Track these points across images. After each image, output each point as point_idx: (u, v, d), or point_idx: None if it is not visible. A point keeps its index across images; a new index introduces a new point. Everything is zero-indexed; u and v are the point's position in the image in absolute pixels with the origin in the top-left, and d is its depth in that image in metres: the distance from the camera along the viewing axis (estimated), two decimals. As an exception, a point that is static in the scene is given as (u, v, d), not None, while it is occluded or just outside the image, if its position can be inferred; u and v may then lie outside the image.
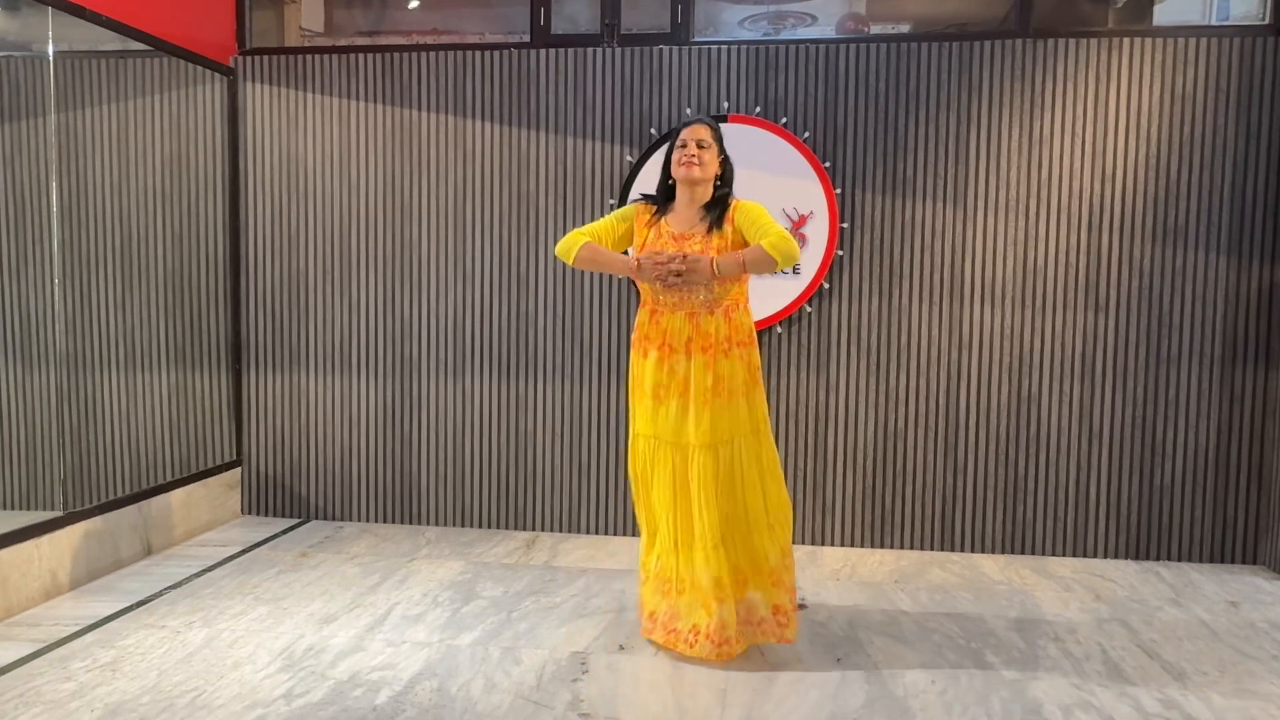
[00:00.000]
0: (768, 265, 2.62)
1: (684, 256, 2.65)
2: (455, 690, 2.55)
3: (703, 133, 2.75)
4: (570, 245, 2.80)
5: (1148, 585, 3.52)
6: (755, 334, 2.83)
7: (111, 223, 3.62)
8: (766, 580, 2.79)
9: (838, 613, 3.17)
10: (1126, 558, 3.84)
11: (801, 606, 3.20)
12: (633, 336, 2.87)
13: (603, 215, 3.98)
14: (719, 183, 2.80)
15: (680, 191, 2.81)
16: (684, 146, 2.75)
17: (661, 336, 2.75)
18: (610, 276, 3.99)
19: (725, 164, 2.82)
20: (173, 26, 3.81)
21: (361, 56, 4.12)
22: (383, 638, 2.90)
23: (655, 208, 2.86)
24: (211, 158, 4.10)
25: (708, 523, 2.71)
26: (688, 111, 3.92)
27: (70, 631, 2.92)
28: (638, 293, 2.87)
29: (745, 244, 2.73)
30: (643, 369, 2.80)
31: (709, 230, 2.74)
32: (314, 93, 4.15)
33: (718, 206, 2.78)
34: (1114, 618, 3.15)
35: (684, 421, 2.72)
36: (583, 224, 3.99)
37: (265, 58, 4.18)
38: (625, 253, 2.94)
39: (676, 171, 2.77)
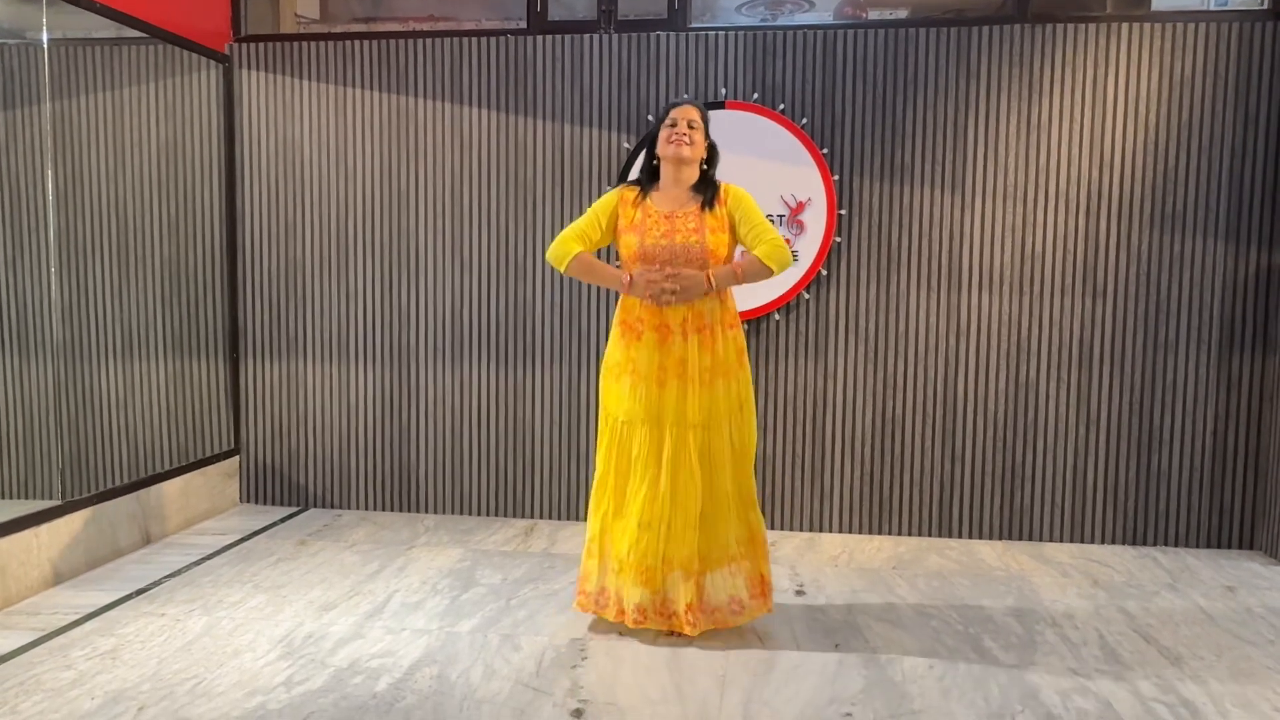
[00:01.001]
0: (764, 274, 2.72)
1: (678, 274, 2.69)
2: (455, 677, 2.56)
3: (692, 114, 2.78)
4: (563, 253, 2.79)
5: (1145, 571, 3.53)
6: (739, 316, 2.90)
7: (108, 211, 3.61)
8: (724, 562, 2.80)
9: (836, 599, 3.17)
10: (1124, 543, 3.85)
11: (799, 594, 3.22)
12: (619, 318, 2.84)
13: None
14: (704, 166, 2.84)
15: (665, 171, 2.82)
16: (674, 125, 2.76)
17: (658, 317, 2.75)
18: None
19: (711, 148, 2.85)
20: (168, 13, 3.78)
21: (358, 43, 4.10)
22: (382, 625, 2.91)
23: (639, 189, 2.86)
24: (207, 145, 4.09)
25: (692, 499, 2.73)
26: (685, 98, 3.91)
27: (70, 620, 2.92)
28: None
29: (734, 230, 2.78)
30: (637, 351, 2.77)
31: (702, 209, 2.76)
32: (310, 80, 4.14)
33: (709, 188, 2.80)
34: (1111, 603, 3.17)
35: (684, 402, 2.74)
36: (580, 212, 3.99)
37: (261, 45, 4.16)
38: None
39: (664, 150, 2.78)
